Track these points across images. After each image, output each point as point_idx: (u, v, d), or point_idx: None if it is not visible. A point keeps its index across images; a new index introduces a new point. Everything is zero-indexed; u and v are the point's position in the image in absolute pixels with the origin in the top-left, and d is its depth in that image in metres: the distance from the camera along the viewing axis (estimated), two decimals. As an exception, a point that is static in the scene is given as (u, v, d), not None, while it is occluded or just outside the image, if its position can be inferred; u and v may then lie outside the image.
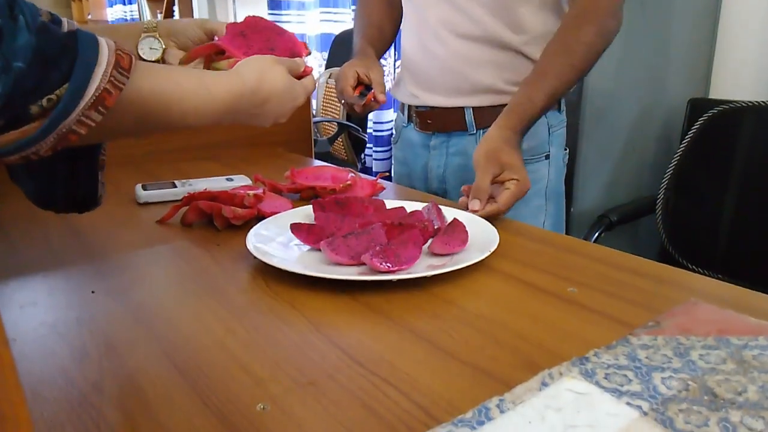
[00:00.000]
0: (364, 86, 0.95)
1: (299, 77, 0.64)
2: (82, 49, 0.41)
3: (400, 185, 1.12)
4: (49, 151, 0.41)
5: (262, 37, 0.67)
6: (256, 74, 0.57)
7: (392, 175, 1.22)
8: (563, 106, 1.03)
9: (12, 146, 0.39)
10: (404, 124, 1.12)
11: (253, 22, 0.67)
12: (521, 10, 0.92)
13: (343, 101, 0.98)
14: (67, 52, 0.40)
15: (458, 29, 0.95)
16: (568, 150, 1.08)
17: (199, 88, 0.52)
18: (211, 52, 0.66)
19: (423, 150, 1.07)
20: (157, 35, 0.64)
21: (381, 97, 0.94)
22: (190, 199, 0.78)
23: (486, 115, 0.98)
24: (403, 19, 1.08)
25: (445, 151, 1.04)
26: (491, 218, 0.76)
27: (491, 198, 0.79)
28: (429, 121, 1.04)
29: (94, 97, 0.41)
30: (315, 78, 0.68)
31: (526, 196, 0.95)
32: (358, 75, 0.95)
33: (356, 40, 1.07)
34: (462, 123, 1.00)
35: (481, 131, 0.98)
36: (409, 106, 1.08)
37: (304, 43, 0.69)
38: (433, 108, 1.03)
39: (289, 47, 0.68)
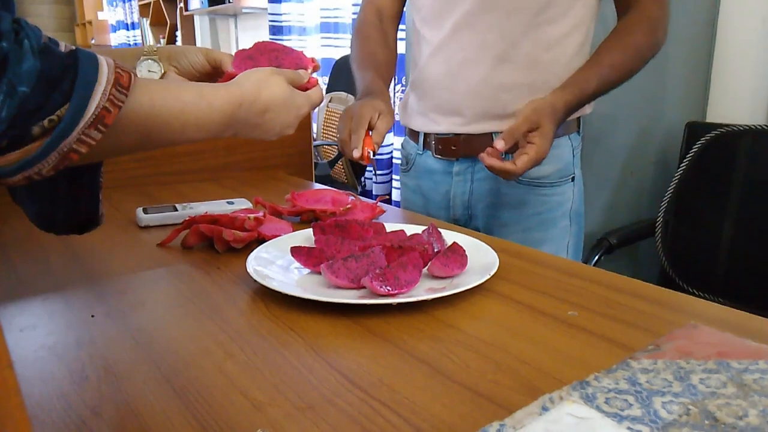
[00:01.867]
0: (372, 143, 0.90)
1: (304, 89, 0.65)
2: (83, 68, 0.41)
3: (409, 212, 1.10)
4: (52, 170, 0.41)
5: (269, 57, 0.68)
6: (254, 83, 0.58)
7: (401, 202, 1.20)
8: (582, 129, 1.04)
9: (14, 166, 0.40)
10: (419, 152, 1.09)
11: (261, 45, 0.68)
12: (554, 29, 0.94)
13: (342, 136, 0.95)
14: (68, 72, 0.41)
15: (494, 51, 0.94)
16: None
17: (199, 99, 0.52)
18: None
19: (444, 177, 1.05)
20: (158, 58, 0.65)
21: (373, 148, 0.89)
22: (191, 222, 0.79)
23: None
24: (418, 49, 1.06)
25: (471, 177, 1.03)
26: (505, 176, 0.83)
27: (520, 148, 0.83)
28: (453, 147, 1.02)
29: (94, 116, 0.41)
30: (322, 92, 0.68)
31: (554, 217, 0.98)
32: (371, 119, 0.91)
33: (368, 76, 1.03)
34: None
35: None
36: (426, 133, 1.06)
37: (313, 58, 0.70)
38: (458, 134, 1.01)
39: (296, 63, 0.68)
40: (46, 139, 0.40)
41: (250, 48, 0.67)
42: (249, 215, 0.79)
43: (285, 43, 3.36)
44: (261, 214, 0.81)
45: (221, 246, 0.76)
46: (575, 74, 0.91)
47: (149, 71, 0.64)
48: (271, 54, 0.68)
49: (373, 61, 1.06)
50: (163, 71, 0.65)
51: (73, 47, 0.43)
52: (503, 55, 0.94)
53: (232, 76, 0.65)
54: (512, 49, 0.94)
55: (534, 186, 1.00)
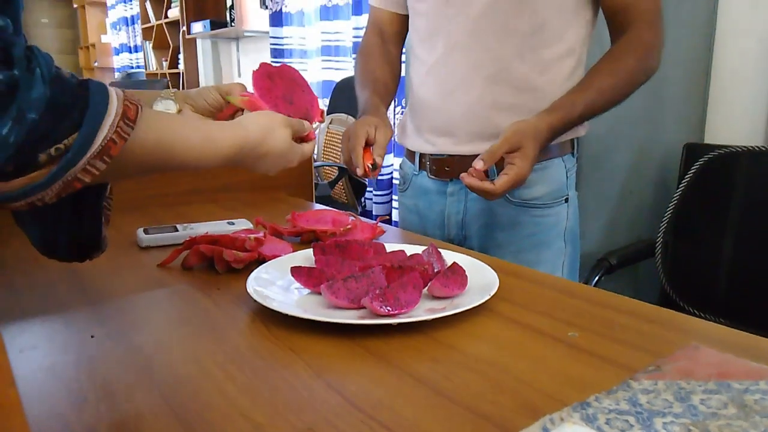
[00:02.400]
0: (371, 157, 0.93)
1: (302, 139, 0.67)
2: (93, 98, 0.42)
3: (409, 232, 1.11)
4: (54, 197, 0.42)
5: (285, 85, 0.69)
6: (261, 131, 0.59)
7: (399, 222, 1.21)
8: (576, 150, 1.04)
9: (18, 192, 0.40)
10: (415, 173, 1.11)
11: (285, 69, 0.69)
12: (548, 52, 0.95)
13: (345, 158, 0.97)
14: (78, 102, 0.41)
15: (487, 72, 0.95)
16: (578, 193, 1.10)
17: (205, 141, 0.53)
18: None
19: (439, 197, 1.06)
20: (174, 99, 0.66)
21: (377, 162, 0.92)
22: (192, 242, 0.79)
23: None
24: (414, 69, 1.07)
25: (465, 197, 1.04)
26: (485, 196, 0.84)
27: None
28: (447, 168, 1.03)
29: (101, 147, 0.42)
30: (314, 147, 0.70)
31: (548, 239, 0.97)
32: (368, 135, 0.94)
33: (364, 95, 1.06)
34: None
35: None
36: (421, 153, 1.08)
37: (322, 111, 0.71)
38: (452, 155, 1.02)
39: (306, 107, 0.69)
40: (53, 167, 0.40)
41: (276, 66, 0.69)
42: (249, 236, 0.79)
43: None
44: (261, 234, 0.81)
45: (221, 266, 0.76)
46: (562, 97, 0.91)
47: (166, 109, 0.66)
48: (288, 83, 0.69)
49: (371, 80, 1.08)
50: (178, 108, 0.66)
51: (85, 78, 0.44)
52: (496, 77, 0.95)
53: (248, 100, 0.67)
54: (505, 70, 0.94)
55: (527, 207, 1.00)
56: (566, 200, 1.02)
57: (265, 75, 0.68)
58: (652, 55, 0.93)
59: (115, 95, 0.44)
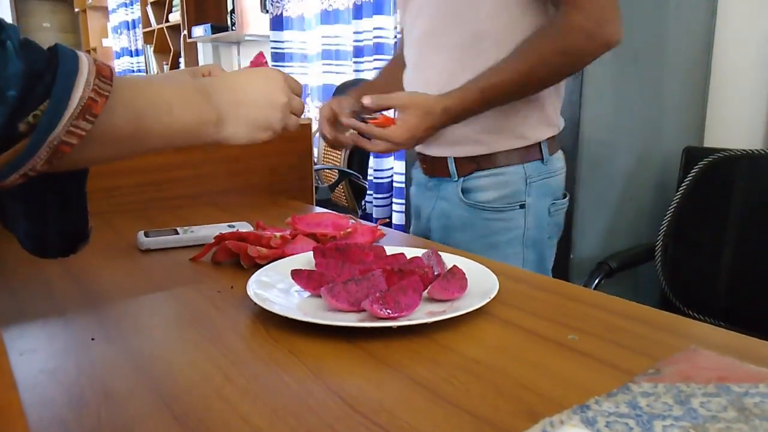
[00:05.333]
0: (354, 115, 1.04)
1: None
2: (63, 62, 0.42)
3: (408, 235, 1.20)
4: (45, 165, 0.42)
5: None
6: (236, 71, 0.63)
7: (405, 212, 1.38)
8: (547, 156, 1.04)
9: (7, 167, 0.40)
10: (415, 166, 1.20)
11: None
12: (488, 59, 0.95)
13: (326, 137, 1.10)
14: (50, 67, 0.41)
15: (436, 87, 0.98)
16: (567, 197, 1.10)
17: (176, 87, 0.54)
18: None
19: (421, 190, 1.16)
20: None
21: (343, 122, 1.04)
22: (221, 239, 0.81)
23: (465, 165, 1.04)
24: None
25: (436, 195, 1.10)
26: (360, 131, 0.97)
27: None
28: (424, 166, 1.13)
29: (80, 106, 0.42)
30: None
31: (500, 242, 1.05)
32: (331, 108, 1.07)
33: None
34: (447, 170, 1.06)
35: (462, 179, 1.05)
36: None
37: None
38: (425, 155, 1.10)
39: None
40: (33, 134, 0.40)
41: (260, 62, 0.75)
42: (275, 233, 0.81)
43: (287, 70, 3.42)
44: (287, 232, 0.83)
45: (247, 262, 0.78)
46: (466, 82, 0.94)
47: None
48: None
49: (367, 86, 1.23)
50: None
51: (54, 44, 0.44)
52: (445, 89, 0.97)
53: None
54: (451, 83, 0.97)
55: (478, 209, 1.05)
56: (522, 206, 1.04)
57: (258, 65, 0.73)
58: (573, 35, 0.89)
59: (84, 56, 0.43)
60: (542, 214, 1.05)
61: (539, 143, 1.03)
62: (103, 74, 0.44)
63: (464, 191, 1.05)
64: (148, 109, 0.50)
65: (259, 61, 0.74)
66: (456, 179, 1.05)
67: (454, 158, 1.05)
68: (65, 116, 0.41)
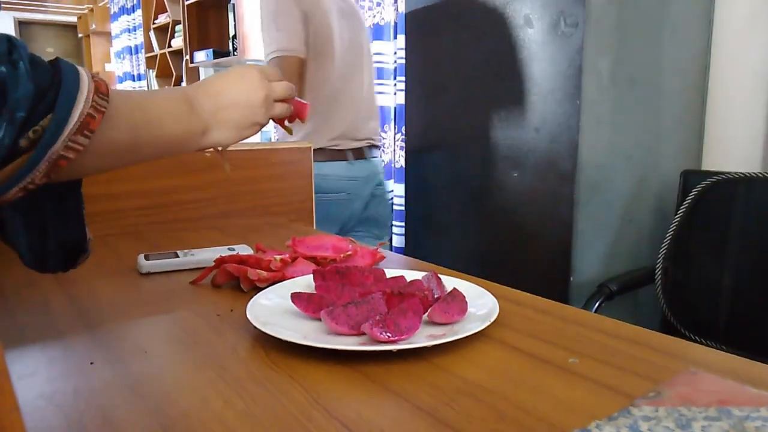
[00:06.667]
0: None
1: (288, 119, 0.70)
2: (65, 79, 0.43)
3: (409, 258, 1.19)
4: (44, 178, 0.42)
5: None
6: (216, 75, 0.63)
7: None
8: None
9: (8, 182, 0.41)
10: None
11: None
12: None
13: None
14: (53, 84, 0.42)
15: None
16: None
17: (160, 93, 0.56)
18: None
19: None
20: None
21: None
22: (221, 262, 0.82)
23: None
24: None
25: None
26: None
27: None
28: None
29: (79, 123, 0.42)
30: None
31: None
32: None
33: None
34: None
35: None
36: None
37: (307, 106, 0.75)
38: None
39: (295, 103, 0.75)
40: (33, 150, 0.41)
41: None
42: (275, 256, 0.81)
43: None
44: (287, 255, 0.83)
45: (247, 285, 0.78)
46: None
47: None
48: None
49: None
50: None
51: (56, 58, 0.45)
52: None
53: None
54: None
55: None
56: None
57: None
58: None
59: (85, 74, 0.44)
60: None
61: None
62: (101, 90, 0.45)
63: None
64: (140, 122, 0.51)
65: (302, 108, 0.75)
66: None
67: None
68: (65, 132, 0.42)
